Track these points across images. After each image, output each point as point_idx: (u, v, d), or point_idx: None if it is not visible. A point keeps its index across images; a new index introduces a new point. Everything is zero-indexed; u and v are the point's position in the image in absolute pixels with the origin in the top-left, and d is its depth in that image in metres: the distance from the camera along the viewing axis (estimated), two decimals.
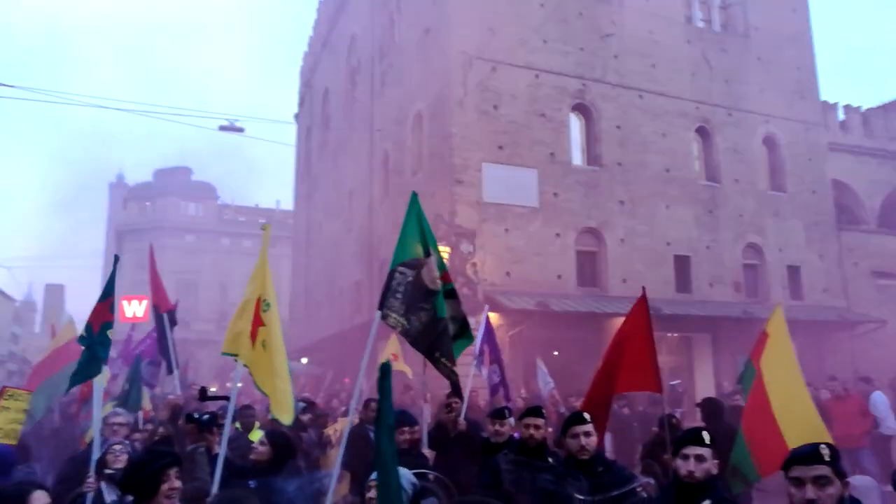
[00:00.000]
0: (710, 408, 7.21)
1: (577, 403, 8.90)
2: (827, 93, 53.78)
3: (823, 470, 2.17)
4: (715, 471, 2.80)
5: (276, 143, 43.53)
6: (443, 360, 4.21)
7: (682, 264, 19.53)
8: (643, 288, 5.56)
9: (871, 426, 10.27)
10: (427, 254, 4.59)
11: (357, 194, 25.10)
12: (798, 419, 4.91)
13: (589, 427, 3.43)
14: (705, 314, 18.33)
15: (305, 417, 7.53)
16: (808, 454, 2.21)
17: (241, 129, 19.46)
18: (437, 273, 4.50)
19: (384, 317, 4.41)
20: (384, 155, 22.28)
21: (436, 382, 14.81)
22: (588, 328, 17.80)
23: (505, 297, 16.13)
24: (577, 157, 19.08)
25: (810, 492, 2.15)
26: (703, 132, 20.94)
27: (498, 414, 5.43)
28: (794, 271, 21.26)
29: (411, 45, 20.73)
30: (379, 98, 23.41)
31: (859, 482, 7.03)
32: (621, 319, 20.49)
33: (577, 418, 3.53)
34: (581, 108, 19.27)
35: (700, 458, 2.75)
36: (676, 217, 19.64)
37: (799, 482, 2.18)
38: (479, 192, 17.17)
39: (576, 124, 19.32)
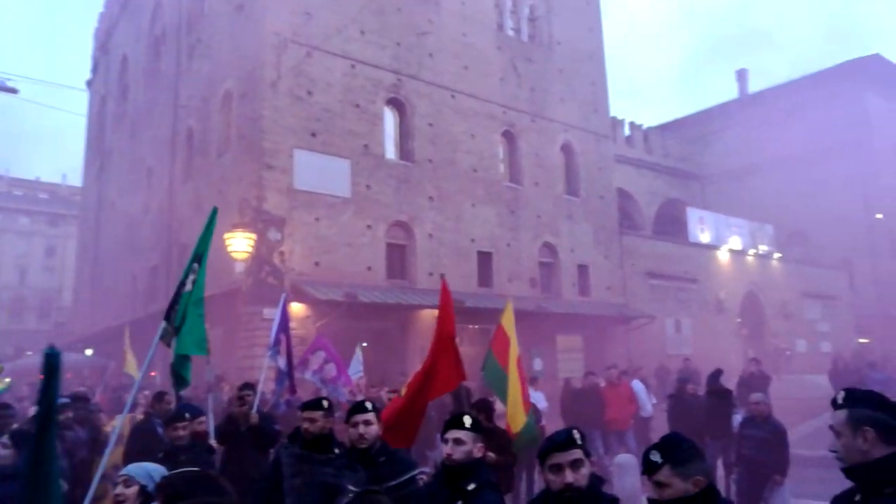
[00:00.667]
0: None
1: (383, 393, 8.99)
2: (616, 109, 59.56)
3: (578, 453, 2.33)
4: (479, 454, 2.89)
5: (61, 110, 38.67)
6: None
7: (485, 260, 20.53)
8: (442, 276, 5.65)
9: (636, 410, 11.52)
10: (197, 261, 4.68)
11: (156, 173, 23.26)
12: (513, 403, 5.76)
13: (369, 416, 3.43)
14: (503, 308, 19.37)
15: (67, 415, 6.71)
16: (565, 441, 2.35)
17: (14, 90, 17.11)
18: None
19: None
20: (188, 132, 20.87)
21: (236, 374, 14.19)
22: (396, 320, 18.11)
23: (313, 288, 15.85)
24: (391, 151, 19.26)
25: (569, 476, 2.29)
26: (508, 136, 22.15)
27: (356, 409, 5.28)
28: (583, 270, 23.25)
29: (222, 18, 19.59)
30: (185, 72, 21.86)
31: (624, 460, 7.85)
32: (428, 311, 21.15)
33: (358, 407, 3.52)
34: (395, 103, 19.47)
35: (458, 442, 2.84)
36: (481, 215, 20.58)
37: (558, 468, 2.30)
38: (289, 178, 16.67)
39: (390, 118, 19.48)
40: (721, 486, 8.40)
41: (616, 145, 30.98)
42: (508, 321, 6.29)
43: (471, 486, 2.63)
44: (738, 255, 28.18)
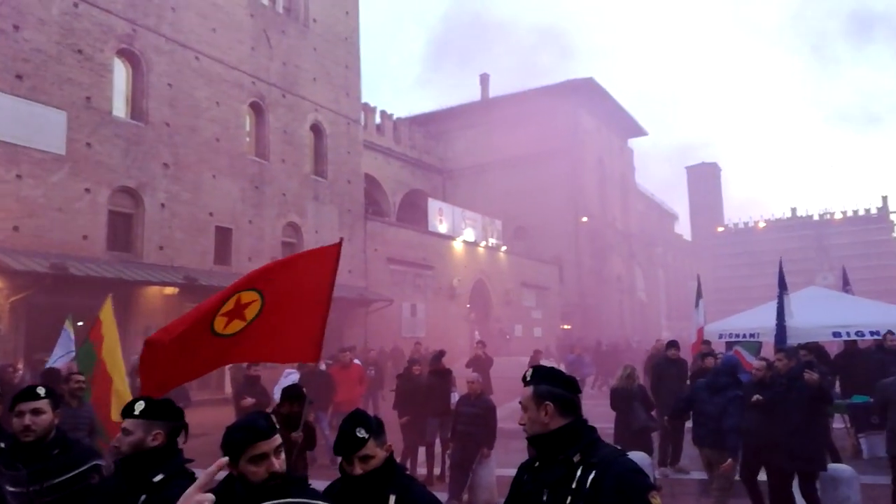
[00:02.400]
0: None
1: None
2: (368, 96, 60.51)
3: (280, 439, 2.20)
4: (155, 442, 2.53)
5: None
6: None
7: (224, 236, 19.46)
8: (341, 240, 4.54)
9: (366, 391, 11.80)
10: None
11: None
12: (118, 392, 6.14)
13: (40, 404, 2.92)
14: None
15: None
16: (266, 428, 2.15)
17: None
18: None
19: None
20: None
21: None
22: (116, 296, 16.29)
23: (10, 257, 13.59)
24: (120, 108, 17.27)
25: (275, 464, 2.14)
26: (257, 108, 21.21)
27: (23, 395, 4.41)
28: None
29: None
30: None
31: None
32: (156, 289, 19.44)
33: (26, 394, 2.98)
34: (129, 55, 17.48)
35: (125, 432, 2.50)
36: (222, 188, 19.45)
37: (262, 458, 2.13)
38: None
39: (121, 71, 17.44)
40: (439, 460, 8.96)
41: (367, 132, 31.49)
42: (107, 314, 6.87)
43: (158, 478, 2.35)
44: (470, 245, 30.43)
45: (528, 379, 2.31)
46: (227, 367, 17.06)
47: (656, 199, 61.50)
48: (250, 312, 3.83)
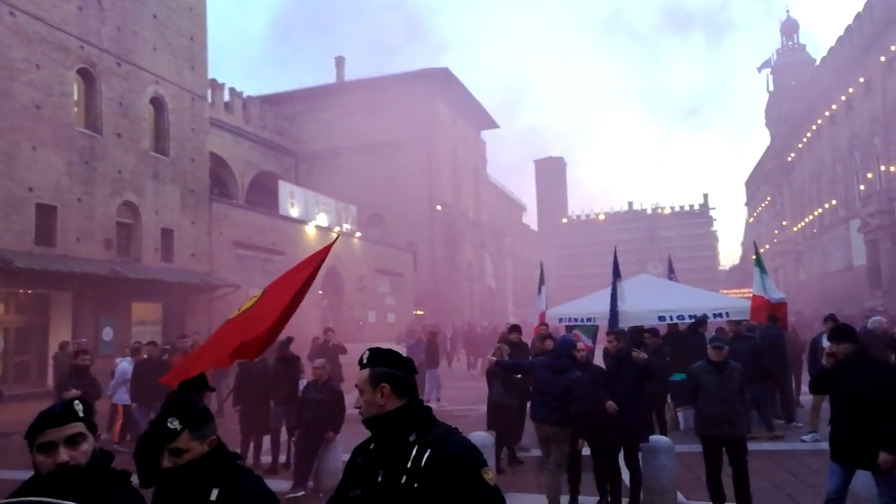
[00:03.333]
0: None
1: None
2: (216, 72, 57.46)
3: (79, 427, 1.99)
4: None
5: None
6: None
7: (47, 214, 17.63)
8: (338, 235, 3.94)
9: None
10: None
11: None
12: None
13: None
14: (69, 270, 16.98)
15: None
16: (62, 413, 1.98)
17: None
18: None
19: None
20: None
21: None
22: None
23: None
24: None
25: (63, 454, 1.93)
26: (86, 75, 19.36)
27: None
28: (167, 234, 21.78)
29: None
30: None
31: None
32: None
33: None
34: None
35: None
36: (45, 161, 17.59)
37: (49, 446, 1.92)
38: None
39: None
40: (284, 447, 8.71)
41: (214, 109, 29.87)
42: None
43: None
44: (324, 231, 29.87)
45: (365, 362, 2.27)
46: (52, 356, 15.57)
47: (506, 191, 63.96)
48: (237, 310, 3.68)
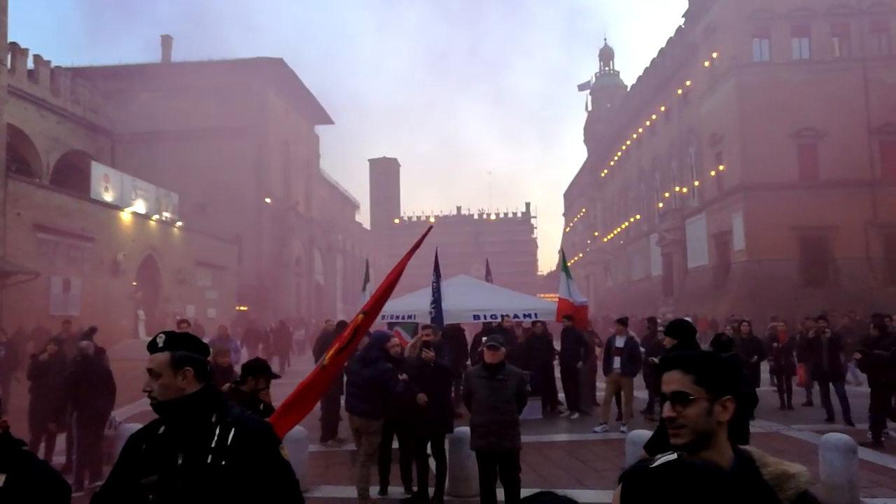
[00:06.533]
0: None
1: None
2: (18, 36, 51.44)
3: None
4: None
5: None
6: None
7: None
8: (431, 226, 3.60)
9: None
10: None
11: None
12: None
13: None
14: None
15: None
16: None
17: None
18: None
19: None
20: None
21: None
22: None
23: None
24: None
25: None
26: None
27: None
28: None
29: None
30: None
31: None
32: None
33: None
34: None
35: None
36: None
37: None
38: None
39: None
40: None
41: (14, 76, 26.85)
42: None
43: None
44: (141, 218, 27.94)
45: (161, 345, 2.29)
46: None
47: (340, 188, 63.60)
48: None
